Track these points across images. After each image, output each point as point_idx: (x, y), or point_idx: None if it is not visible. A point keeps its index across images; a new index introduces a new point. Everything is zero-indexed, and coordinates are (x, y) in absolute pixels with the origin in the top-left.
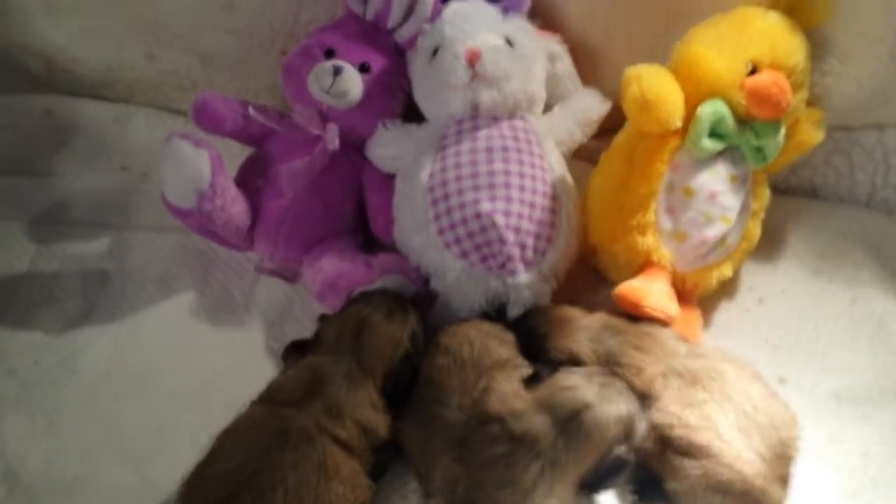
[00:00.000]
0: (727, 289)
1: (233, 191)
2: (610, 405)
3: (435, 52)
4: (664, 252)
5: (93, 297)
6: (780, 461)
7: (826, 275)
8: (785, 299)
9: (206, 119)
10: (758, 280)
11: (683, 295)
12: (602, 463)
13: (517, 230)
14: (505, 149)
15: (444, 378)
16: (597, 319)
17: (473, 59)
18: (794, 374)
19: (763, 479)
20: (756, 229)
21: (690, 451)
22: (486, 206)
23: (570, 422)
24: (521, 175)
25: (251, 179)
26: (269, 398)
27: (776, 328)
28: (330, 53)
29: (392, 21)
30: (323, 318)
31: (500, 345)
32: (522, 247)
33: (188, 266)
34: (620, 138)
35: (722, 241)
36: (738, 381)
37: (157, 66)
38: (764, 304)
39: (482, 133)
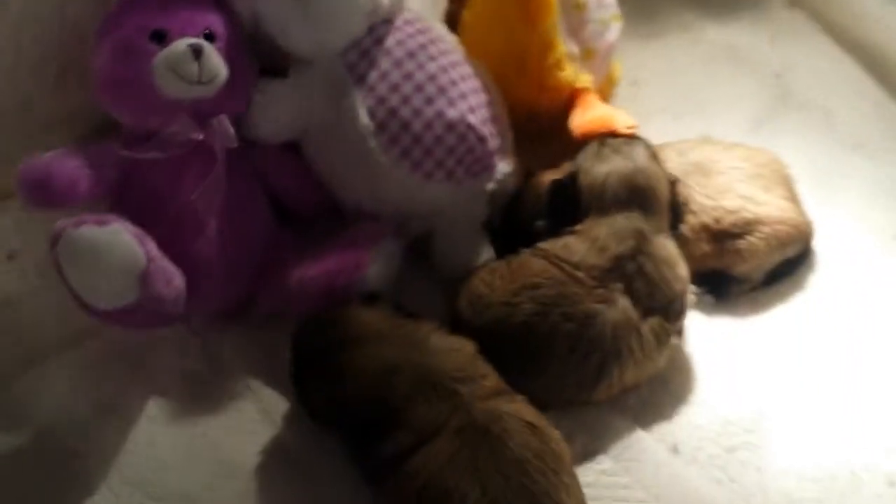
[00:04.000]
0: None
1: (162, 255)
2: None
3: None
4: (584, 77)
5: None
6: (793, 193)
7: None
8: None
9: (58, 191)
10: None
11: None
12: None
13: (484, 122)
14: (422, 46)
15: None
16: None
17: None
18: None
19: (801, 214)
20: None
21: (746, 228)
22: (452, 114)
23: (614, 187)
24: (453, 65)
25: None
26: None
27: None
28: (160, 36)
29: None
30: None
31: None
32: (493, 136)
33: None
34: None
35: None
36: (723, 152)
37: None
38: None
39: (390, 42)
